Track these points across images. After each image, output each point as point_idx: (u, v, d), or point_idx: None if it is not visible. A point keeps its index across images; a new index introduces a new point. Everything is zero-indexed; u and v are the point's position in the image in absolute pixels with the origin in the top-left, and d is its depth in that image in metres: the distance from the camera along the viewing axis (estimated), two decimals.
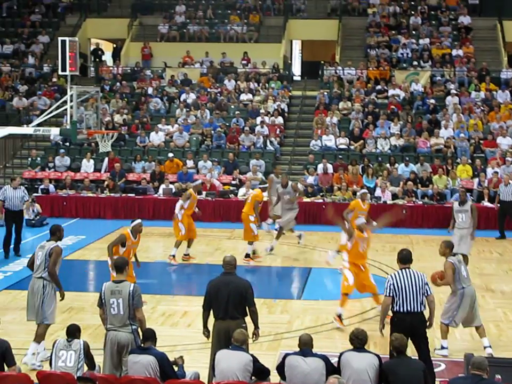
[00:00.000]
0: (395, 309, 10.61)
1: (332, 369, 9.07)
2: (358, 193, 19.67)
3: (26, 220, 23.27)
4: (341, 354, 9.22)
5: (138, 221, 14.60)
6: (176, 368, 9.58)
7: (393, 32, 34.89)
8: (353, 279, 14.04)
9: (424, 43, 33.81)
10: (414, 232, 22.92)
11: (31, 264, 12.21)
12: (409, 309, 10.53)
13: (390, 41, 34.48)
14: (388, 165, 25.98)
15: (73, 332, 9.71)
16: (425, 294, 10.64)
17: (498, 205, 22.60)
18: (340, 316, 13.85)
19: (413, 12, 36.12)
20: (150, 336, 9.54)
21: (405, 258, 10.94)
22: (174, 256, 18.62)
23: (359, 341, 9.18)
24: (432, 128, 28.14)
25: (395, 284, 10.60)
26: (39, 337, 11.85)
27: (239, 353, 9.25)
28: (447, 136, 27.66)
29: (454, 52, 33.49)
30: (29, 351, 11.64)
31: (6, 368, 9.43)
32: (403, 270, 10.77)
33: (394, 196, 24.65)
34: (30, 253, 19.67)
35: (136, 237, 14.43)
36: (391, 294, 10.60)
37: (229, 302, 10.20)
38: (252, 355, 9.32)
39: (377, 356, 9.13)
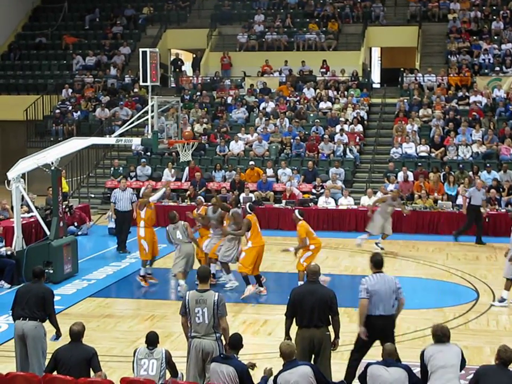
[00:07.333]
0: None
1: (415, 379, 9.00)
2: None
3: (109, 229, 23.64)
4: (423, 351, 9.18)
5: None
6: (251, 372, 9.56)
7: (475, 37, 34.27)
8: None
9: (507, 48, 33.13)
10: (497, 240, 22.48)
11: None
12: None
13: (471, 47, 33.90)
14: (469, 173, 25.59)
15: (153, 340, 9.78)
16: None
17: None
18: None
19: (494, 17, 35.42)
20: (236, 344, 9.56)
21: None
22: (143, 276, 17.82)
23: (444, 335, 9.14)
24: None
25: None
26: None
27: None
28: None
29: None
30: None
31: (92, 374, 9.61)
32: None
33: None
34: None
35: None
36: None
37: (314, 311, 10.23)
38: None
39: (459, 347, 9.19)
